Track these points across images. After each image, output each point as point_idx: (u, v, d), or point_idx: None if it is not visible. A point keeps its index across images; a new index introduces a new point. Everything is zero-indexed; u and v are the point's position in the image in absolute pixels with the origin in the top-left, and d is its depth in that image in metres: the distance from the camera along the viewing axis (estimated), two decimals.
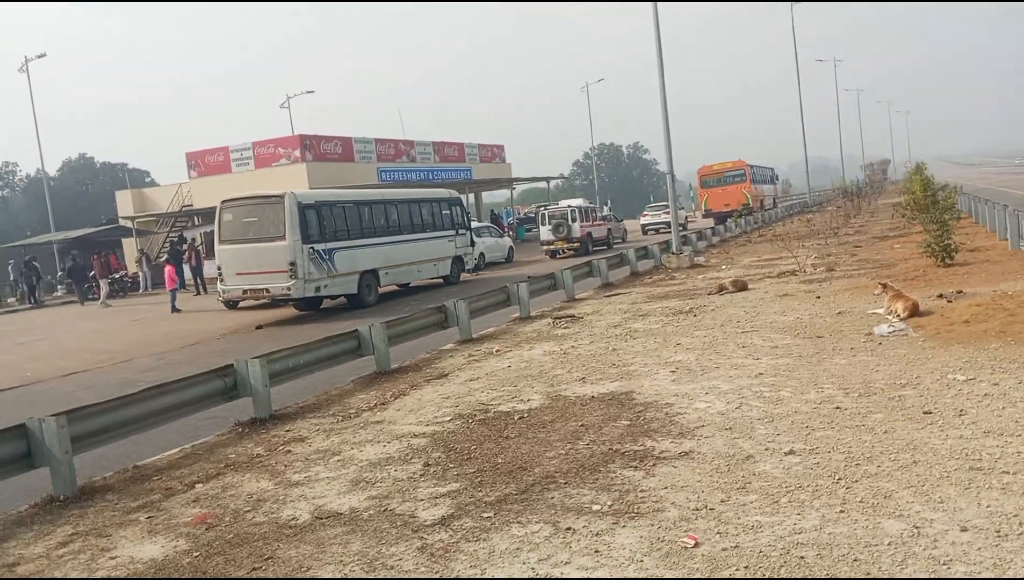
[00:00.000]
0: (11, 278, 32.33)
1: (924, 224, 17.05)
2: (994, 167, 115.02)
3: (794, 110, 51.62)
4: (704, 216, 42.85)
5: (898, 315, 9.30)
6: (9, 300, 31.73)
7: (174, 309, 21.63)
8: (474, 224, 26.66)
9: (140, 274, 31.90)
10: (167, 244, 34.68)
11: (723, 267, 19.08)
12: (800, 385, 7.03)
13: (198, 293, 26.73)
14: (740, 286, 14.07)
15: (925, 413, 5.85)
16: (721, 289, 14.10)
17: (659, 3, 20.94)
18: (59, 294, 32.03)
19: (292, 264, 16.84)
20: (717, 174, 42.76)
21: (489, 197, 59.40)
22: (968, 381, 6.53)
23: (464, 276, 23.59)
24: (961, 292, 10.72)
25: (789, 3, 48.78)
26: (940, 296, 10.53)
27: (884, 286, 10.16)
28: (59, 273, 33.04)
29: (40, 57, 38.49)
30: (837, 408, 6.22)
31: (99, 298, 26.98)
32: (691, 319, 11.44)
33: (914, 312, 9.29)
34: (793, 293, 12.96)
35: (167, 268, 23.28)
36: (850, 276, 14.43)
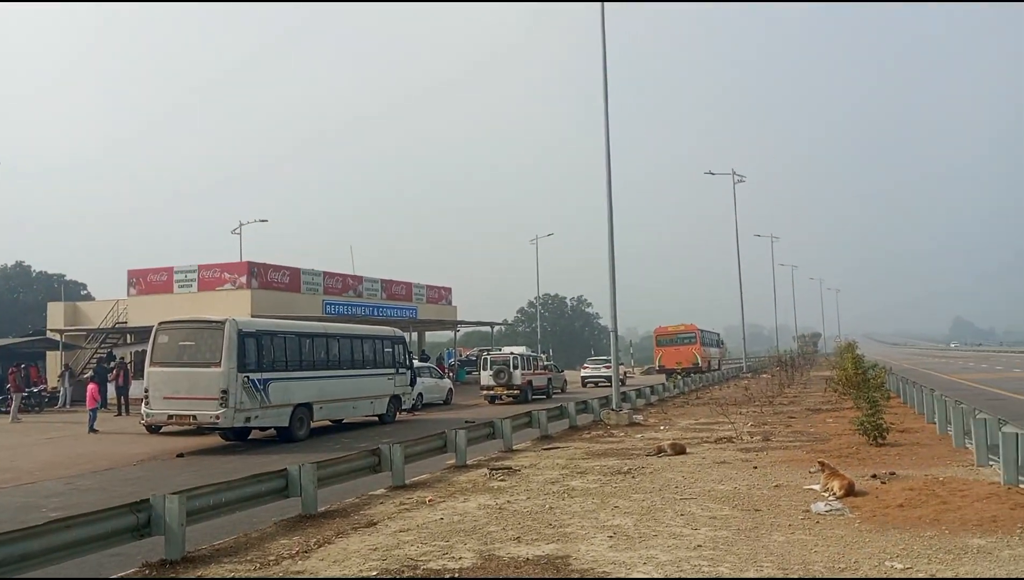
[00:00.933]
0: None
1: (856, 400, 17.50)
2: (916, 348, 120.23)
3: (731, 276, 53.74)
4: (658, 371, 45.87)
5: (834, 494, 9.31)
6: None
7: (92, 429, 20.63)
8: (416, 364, 26.42)
9: (61, 389, 30.49)
10: (94, 360, 33.44)
11: (661, 427, 19.10)
12: (739, 561, 6.87)
13: (119, 413, 25.60)
14: (678, 450, 14.03)
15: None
16: (660, 451, 14.02)
17: (611, 176, 22.00)
18: None
19: (224, 392, 16.34)
20: (671, 335, 47.51)
21: (432, 337, 59.35)
22: (905, 570, 6.47)
23: (401, 416, 23.13)
24: (894, 474, 10.84)
25: (732, 180, 51.50)
26: (874, 476, 10.62)
27: (822, 464, 10.23)
28: None
29: None
30: None
31: (9, 412, 25.62)
32: (630, 481, 11.28)
33: (849, 491, 9.32)
34: (731, 461, 12.95)
35: (90, 386, 22.29)
36: (786, 447, 14.54)
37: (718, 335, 55.46)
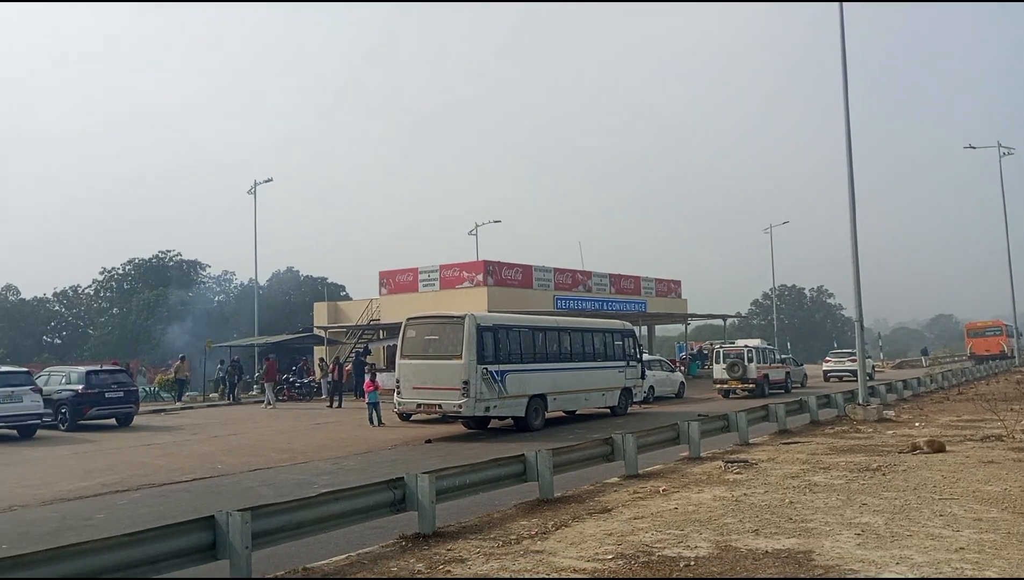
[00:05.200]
0: (219, 375, 35.38)
1: None
2: None
3: (1000, 261, 47.98)
4: (968, 358, 52.89)
5: None
6: (212, 395, 34.58)
7: (374, 421, 20.53)
8: (645, 357, 26.38)
9: (321, 381, 33.85)
10: (352, 354, 36.83)
11: (916, 424, 17.58)
12: (1009, 566, 6.23)
13: (330, 406, 27.80)
14: (937, 447, 12.86)
15: None
16: (914, 448, 12.95)
17: (852, 149, 20.59)
18: (254, 393, 34.54)
19: (465, 383, 17.33)
20: (981, 328, 58.29)
21: (663, 330, 58.83)
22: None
23: (632, 408, 23.21)
24: None
25: (998, 153, 46.05)
26: None
27: None
28: (256, 374, 35.78)
29: (267, 182, 43.39)
30: None
31: (268, 400, 28.86)
32: (879, 478, 10.54)
33: None
34: (1000, 461, 11.68)
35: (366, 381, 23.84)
36: None
37: (1018, 328, 60.66)
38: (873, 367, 40.84)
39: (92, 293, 70.52)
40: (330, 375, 29.80)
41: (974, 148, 46.51)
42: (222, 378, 34.50)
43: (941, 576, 6.05)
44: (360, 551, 7.47)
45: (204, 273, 70.24)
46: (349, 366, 34.55)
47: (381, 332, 38.25)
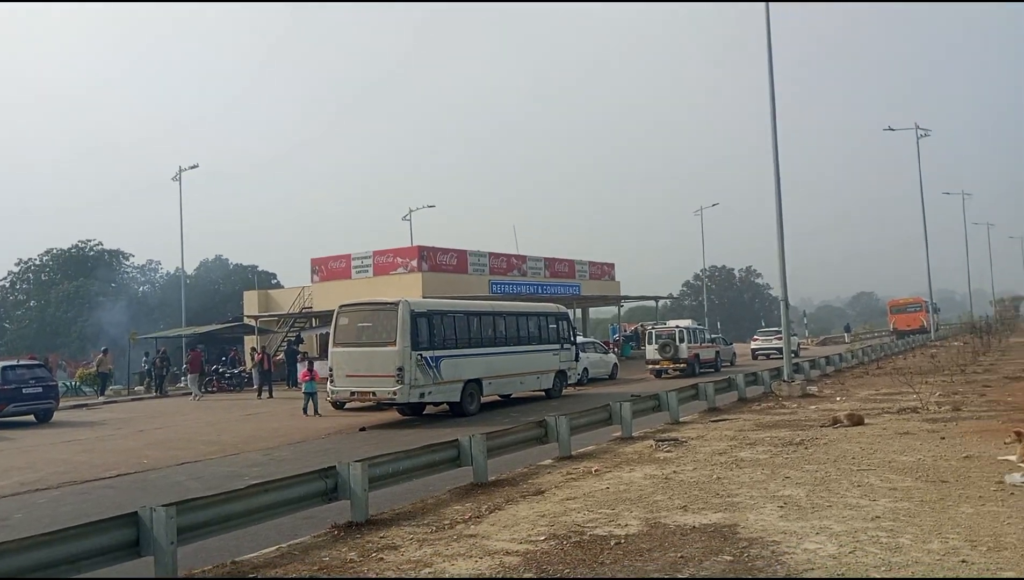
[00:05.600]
0: (144, 368, 34.37)
1: None
2: None
3: (918, 240, 50.00)
4: (891, 333, 56.35)
5: None
6: (137, 388, 33.61)
7: (308, 411, 19.96)
8: (579, 339, 26.66)
9: (250, 372, 33.21)
10: (284, 342, 36.22)
11: (837, 399, 18.24)
12: (922, 533, 6.53)
13: (259, 397, 27.12)
14: (856, 420, 13.37)
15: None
16: (835, 422, 13.44)
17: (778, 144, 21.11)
18: (182, 385, 33.68)
19: (400, 369, 17.24)
20: (903, 305, 61.48)
21: (597, 313, 59.48)
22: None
23: (567, 390, 23.46)
24: None
25: (916, 135, 47.84)
26: None
27: (1019, 434, 9.43)
28: (183, 366, 34.90)
29: (192, 168, 42.12)
30: (963, 562, 5.73)
31: (194, 392, 28.17)
32: (802, 452, 10.91)
33: None
34: (915, 432, 12.21)
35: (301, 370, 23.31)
36: (978, 418, 13.50)
37: (936, 304, 64.47)
38: (799, 344, 42.06)
39: (7, 286, 67.52)
40: (259, 365, 29.17)
41: (893, 130, 48.07)
42: (148, 371, 33.55)
43: (857, 546, 6.30)
44: (291, 542, 7.39)
45: (127, 263, 67.98)
46: (281, 355, 33.97)
47: (313, 320, 37.71)
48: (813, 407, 16.65)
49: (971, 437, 11.33)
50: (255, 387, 28.90)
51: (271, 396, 27.06)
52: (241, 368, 34.17)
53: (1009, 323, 60.60)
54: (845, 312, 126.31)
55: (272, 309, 40.99)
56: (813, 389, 20.19)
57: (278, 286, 55.59)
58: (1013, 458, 9.13)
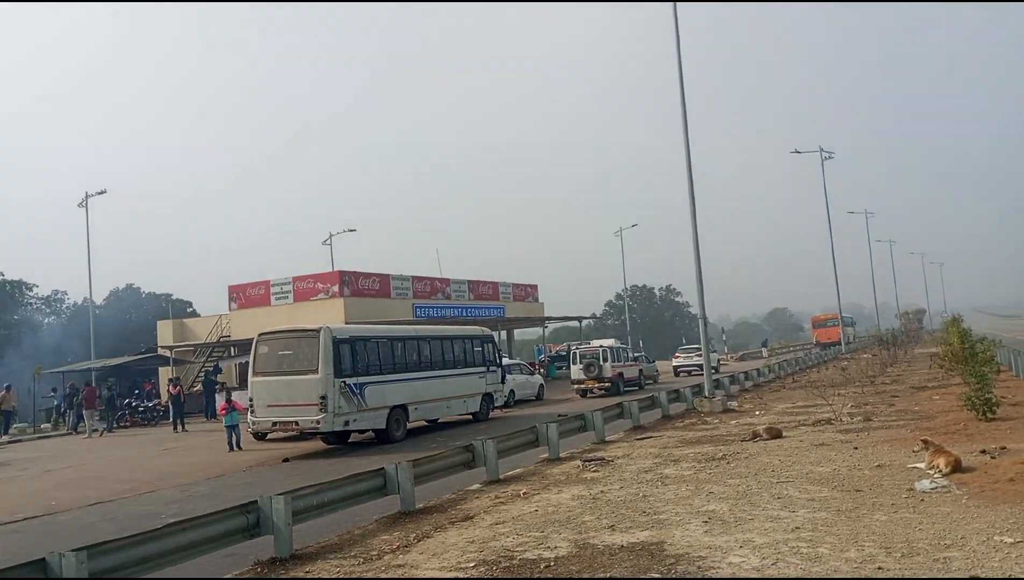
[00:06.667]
0: (56, 405, 32.69)
1: (963, 376, 16.77)
2: None
3: (827, 257, 51.99)
4: (814, 346, 62.77)
5: (940, 471, 8.99)
6: (43, 426, 31.98)
7: (232, 446, 19.09)
8: (505, 361, 26.69)
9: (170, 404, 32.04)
10: (202, 373, 35.11)
11: (757, 413, 18.74)
12: (839, 542, 6.74)
13: (175, 430, 26.11)
14: (774, 433, 13.77)
15: (972, 578, 5.56)
16: (755, 436, 13.80)
17: (691, 158, 21.70)
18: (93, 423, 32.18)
19: (323, 397, 16.91)
20: (824, 320, 67.51)
21: (521, 335, 59.69)
22: (1016, 543, 6.22)
23: (494, 413, 23.42)
24: (1005, 448, 10.38)
25: (821, 157, 49.95)
26: (983, 452, 10.20)
27: (926, 442, 9.88)
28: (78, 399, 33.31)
29: (100, 193, 40.59)
30: (879, 568, 5.94)
31: (89, 429, 26.85)
32: (724, 466, 11.15)
33: (956, 468, 8.98)
34: (830, 443, 12.64)
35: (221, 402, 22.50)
36: (888, 427, 14.07)
37: (852, 318, 71.72)
38: (718, 360, 43.21)
39: None
40: (169, 397, 28.05)
41: (800, 153, 50.09)
42: (58, 407, 31.95)
43: (779, 557, 6.46)
44: None
45: (31, 294, 64.78)
46: (198, 386, 32.92)
47: (232, 349, 36.72)
48: (734, 422, 17.06)
49: (882, 446, 11.79)
50: (171, 420, 27.85)
51: (184, 429, 26.12)
52: (157, 401, 32.91)
53: (913, 335, 63.64)
54: (762, 327, 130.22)
55: (188, 339, 39.73)
56: (733, 404, 20.70)
57: (194, 315, 53.93)
58: (921, 465, 9.54)
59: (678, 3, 21.85)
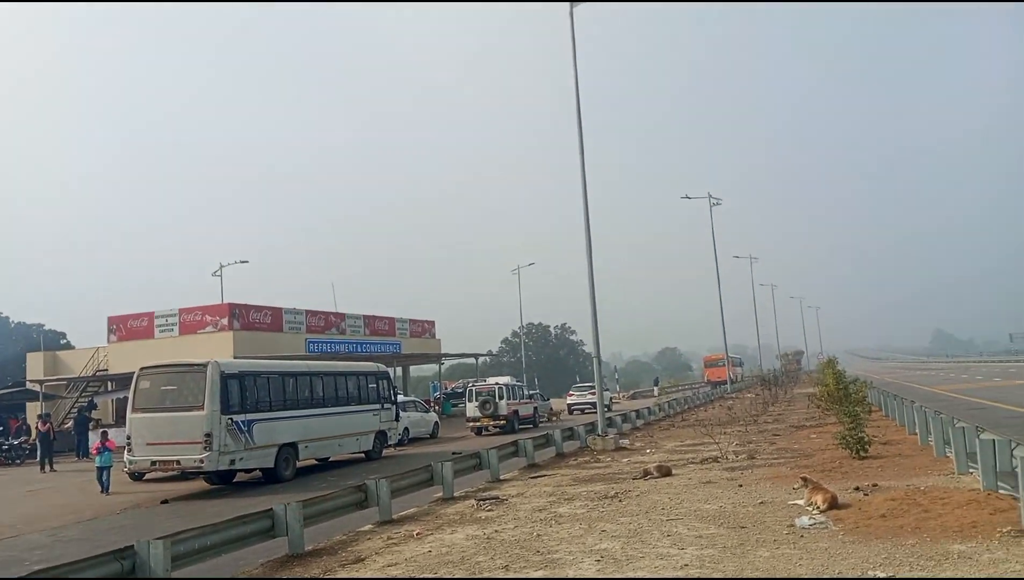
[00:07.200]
0: None
1: (838, 415, 17.67)
2: (897, 362, 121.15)
3: (713, 296, 53.96)
4: (705, 383, 68.87)
5: (818, 507, 9.40)
6: None
7: (106, 488, 17.68)
8: (400, 398, 26.35)
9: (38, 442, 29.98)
10: (75, 409, 33.07)
11: (647, 451, 19.14)
12: (726, 579, 6.93)
13: (43, 469, 24.45)
14: (664, 471, 14.09)
15: None
16: (646, 474, 14.08)
17: (587, 195, 22.25)
18: None
19: (208, 435, 16.23)
20: (715, 360, 71.55)
21: (417, 371, 59.18)
22: (888, 579, 6.56)
23: (387, 451, 23.02)
24: (876, 485, 10.96)
25: (709, 203, 52.12)
26: (857, 489, 10.74)
27: (805, 479, 10.32)
28: None
29: None
30: None
31: None
32: (616, 504, 11.31)
33: (833, 504, 9.41)
34: (716, 481, 13.03)
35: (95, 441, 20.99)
36: (771, 464, 14.63)
37: (740, 358, 78.52)
38: (611, 399, 44.06)
39: None
40: (37, 434, 26.16)
41: (690, 198, 52.11)
42: None
43: None
44: None
45: None
46: (69, 423, 31.01)
47: (110, 383, 34.85)
48: (626, 460, 17.36)
49: (765, 483, 12.25)
50: (39, 460, 26.03)
51: (53, 469, 24.47)
52: (23, 439, 30.72)
53: (793, 375, 66.65)
54: (652, 366, 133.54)
55: (61, 372, 37.47)
56: (625, 442, 21.08)
57: (69, 347, 50.90)
58: (801, 502, 9.96)
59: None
